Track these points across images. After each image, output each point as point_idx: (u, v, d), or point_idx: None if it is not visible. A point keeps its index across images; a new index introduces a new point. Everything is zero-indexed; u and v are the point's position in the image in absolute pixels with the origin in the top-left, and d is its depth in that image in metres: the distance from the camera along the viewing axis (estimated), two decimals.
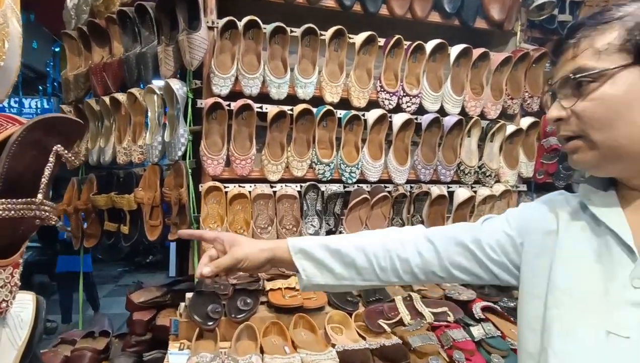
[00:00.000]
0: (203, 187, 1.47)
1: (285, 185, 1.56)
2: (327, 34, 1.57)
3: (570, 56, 0.58)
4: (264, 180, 1.55)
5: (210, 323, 1.26)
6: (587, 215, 0.63)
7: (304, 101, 1.55)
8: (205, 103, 1.46)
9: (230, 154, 1.50)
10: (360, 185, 1.65)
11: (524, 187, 1.85)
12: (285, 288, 1.41)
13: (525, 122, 1.79)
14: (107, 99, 1.63)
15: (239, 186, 1.52)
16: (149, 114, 1.56)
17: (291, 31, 1.53)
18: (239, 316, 1.29)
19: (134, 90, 1.56)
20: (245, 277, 1.46)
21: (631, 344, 0.53)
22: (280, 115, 1.53)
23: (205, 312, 1.28)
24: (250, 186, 1.54)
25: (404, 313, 1.31)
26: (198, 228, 1.47)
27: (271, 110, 1.52)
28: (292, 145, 1.57)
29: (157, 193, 1.55)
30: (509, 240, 0.70)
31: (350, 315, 1.38)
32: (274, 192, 1.55)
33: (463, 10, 1.71)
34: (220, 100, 1.45)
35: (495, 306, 1.40)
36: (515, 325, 1.31)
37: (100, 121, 1.72)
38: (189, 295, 1.39)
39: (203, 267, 0.73)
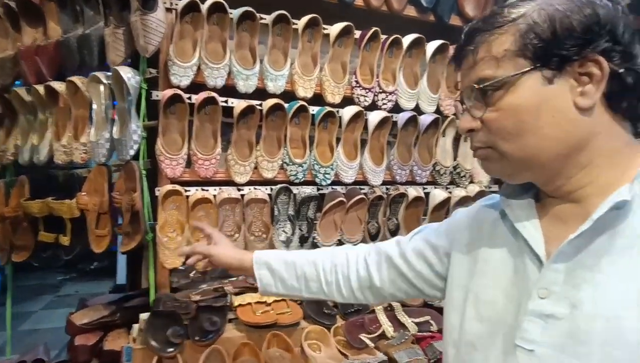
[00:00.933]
0: (160, 191, 1.29)
1: (254, 188, 1.42)
2: (300, 23, 1.44)
3: (471, 63, 0.55)
4: (230, 183, 1.40)
5: (171, 349, 1.10)
6: (507, 222, 0.62)
7: (274, 95, 1.41)
8: (162, 95, 1.28)
9: (192, 154, 1.33)
10: (335, 187, 1.54)
11: (496, 188, 1.83)
12: (256, 303, 1.28)
13: None
14: (41, 88, 1.39)
15: (202, 189, 1.35)
16: (94, 106, 1.35)
17: (261, 18, 1.38)
18: (205, 339, 1.14)
19: (75, 79, 1.34)
20: (210, 291, 1.31)
21: (534, 358, 0.52)
22: (248, 110, 1.38)
23: (164, 336, 1.11)
24: (215, 189, 1.37)
25: (387, 325, 1.22)
26: (154, 238, 1.29)
27: (238, 104, 1.37)
28: (261, 144, 1.42)
29: (105, 199, 1.34)
30: (435, 253, 0.71)
31: (329, 329, 1.27)
32: (242, 196, 1.40)
33: (439, 5, 1.65)
34: (179, 92, 1.27)
35: None
36: None
37: (32, 114, 1.48)
38: (143, 315, 1.21)
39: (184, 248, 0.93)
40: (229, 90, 1.37)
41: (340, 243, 1.54)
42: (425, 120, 1.61)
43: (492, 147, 0.55)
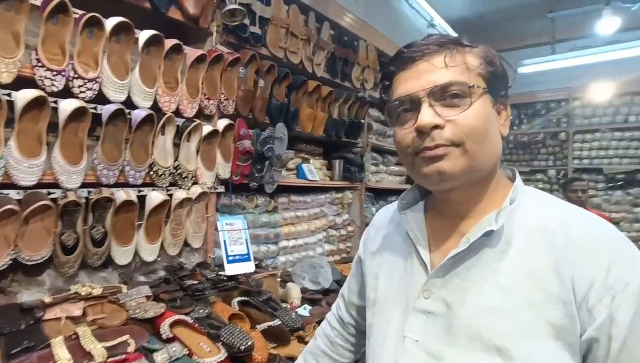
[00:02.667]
0: None
1: None
2: None
3: (441, 65, 0.59)
4: None
5: None
6: (403, 228, 0.72)
7: None
8: None
9: None
10: (3, 191, 1.19)
11: (222, 189, 1.86)
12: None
13: (221, 123, 1.79)
14: None
15: None
16: None
17: None
18: None
19: None
20: None
21: (419, 346, 0.62)
22: None
23: None
24: None
25: (64, 360, 1.00)
26: None
27: None
28: None
29: None
30: (359, 277, 0.85)
31: None
32: None
33: None
34: None
35: (186, 318, 1.29)
36: (206, 335, 1.26)
37: None
38: None
39: None
40: None
41: (16, 262, 1.21)
42: (137, 115, 1.46)
43: (458, 145, 0.58)
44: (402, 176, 3.59)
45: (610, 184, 5.20)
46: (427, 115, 0.58)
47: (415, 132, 0.60)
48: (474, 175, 0.61)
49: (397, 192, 3.49)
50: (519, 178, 0.67)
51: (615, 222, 4.61)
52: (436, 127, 0.58)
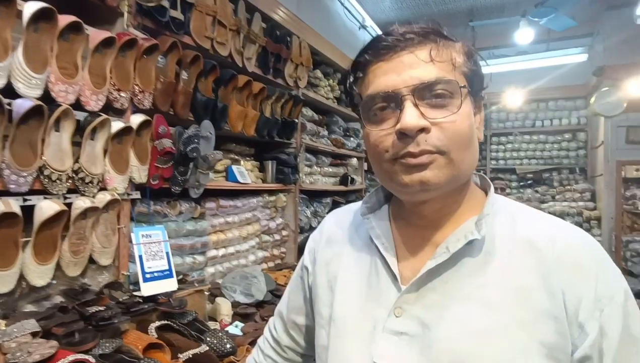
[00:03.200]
0: None
1: None
2: None
3: (426, 59, 0.52)
4: None
5: None
6: (366, 232, 0.63)
7: None
8: None
9: None
10: None
11: (137, 195, 1.60)
12: None
13: (135, 119, 1.54)
14: None
15: None
16: None
17: None
18: None
19: None
20: None
21: None
22: None
23: None
24: None
25: None
26: None
27: None
28: None
29: None
30: (304, 291, 0.73)
31: None
32: None
33: None
34: None
35: (86, 357, 1.05)
36: None
37: None
38: None
39: None
40: None
41: None
42: (20, 106, 1.18)
43: (444, 153, 0.51)
44: (337, 177, 3.53)
45: (522, 183, 5.69)
46: (412, 116, 0.51)
47: (396, 134, 0.52)
48: (455, 185, 0.55)
49: (331, 194, 3.43)
50: (492, 186, 0.60)
51: None
52: (422, 130, 0.51)
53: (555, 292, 0.50)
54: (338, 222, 0.72)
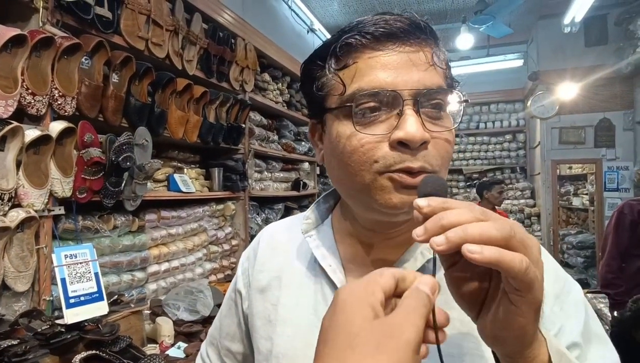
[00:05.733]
0: None
1: None
2: None
3: (429, 61, 0.45)
4: None
5: None
6: (307, 251, 0.57)
7: None
8: None
9: None
10: None
11: (61, 210, 1.45)
12: None
13: (55, 127, 1.39)
14: None
15: None
16: None
17: None
18: None
19: None
20: None
21: None
22: None
23: None
24: None
25: None
26: None
27: None
28: None
29: None
30: (238, 316, 0.65)
31: None
32: None
33: None
34: None
35: None
36: None
37: None
38: None
39: None
40: None
41: None
42: None
43: (436, 172, 0.45)
44: (289, 182, 3.47)
45: (469, 183, 5.93)
46: (416, 126, 0.43)
47: (390, 143, 0.44)
48: None
49: (283, 200, 3.35)
50: None
51: None
52: (423, 143, 0.44)
53: None
54: (274, 241, 0.64)
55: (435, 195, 0.36)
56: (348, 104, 0.46)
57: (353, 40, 0.46)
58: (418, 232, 0.33)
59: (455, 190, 6.00)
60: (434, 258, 0.38)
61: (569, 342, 0.48)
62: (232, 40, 2.51)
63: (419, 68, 0.45)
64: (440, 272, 0.45)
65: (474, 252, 0.31)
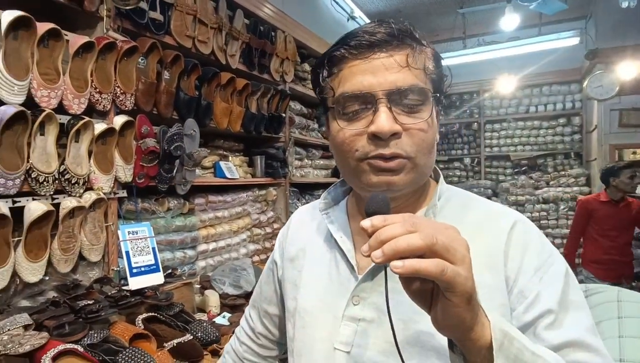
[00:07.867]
0: None
1: None
2: None
3: (403, 63, 0.53)
4: None
5: None
6: (326, 227, 0.66)
7: None
8: None
9: None
10: None
11: (124, 193, 1.67)
12: None
13: (118, 120, 1.60)
14: None
15: None
16: None
17: None
18: None
19: None
20: None
21: (351, 358, 0.57)
22: None
23: None
24: None
25: None
26: None
27: None
28: None
29: None
30: (274, 283, 0.77)
31: None
32: None
33: None
34: None
35: (75, 346, 1.12)
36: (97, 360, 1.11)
37: None
38: None
39: None
40: None
41: None
42: (4, 113, 1.23)
43: (411, 158, 0.54)
44: (328, 169, 3.58)
45: (516, 170, 5.71)
46: (386, 120, 0.52)
47: (367, 135, 0.54)
48: (416, 186, 0.60)
49: (323, 186, 3.48)
50: (442, 177, 0.65)
51: (521, 204, 5.07)
52: (394, 134, 0.53)
53: (498, 268, 0.55)
54: (301, 219, 0.76)
55: (379, 212, 0.42)
56: (337, 104, 0.57)
57: (338, 53, 0.57)
58: (364, 248, 0.40)
59: (502, 177, 5.80)
60: (385, 266, 0.44)
61: (545, 309, 0.53)
62: (273, 33, 2.64)
63: (392, 71, 0.54)
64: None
65: (397, 266, 0.37)
